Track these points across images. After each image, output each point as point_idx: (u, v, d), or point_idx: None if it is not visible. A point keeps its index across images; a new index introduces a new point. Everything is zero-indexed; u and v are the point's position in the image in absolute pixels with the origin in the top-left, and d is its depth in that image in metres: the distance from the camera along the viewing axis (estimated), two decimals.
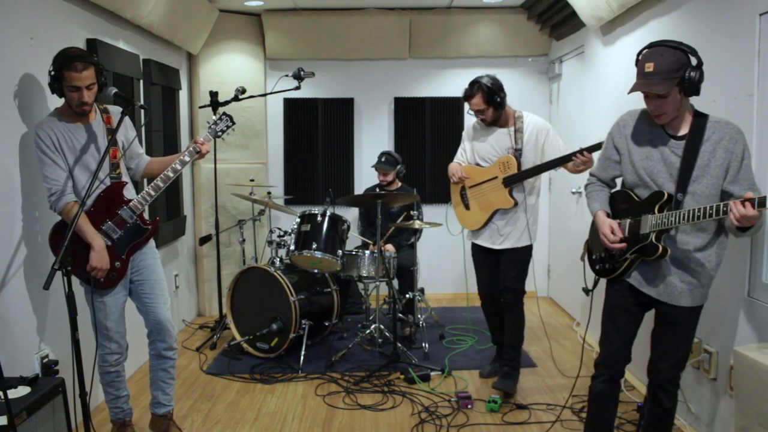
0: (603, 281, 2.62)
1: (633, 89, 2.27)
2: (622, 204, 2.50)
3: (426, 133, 5.86)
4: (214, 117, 3.18)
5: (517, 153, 3.54)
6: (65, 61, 2.57)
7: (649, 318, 2.55)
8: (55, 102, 3.00)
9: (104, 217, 2.76)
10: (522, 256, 3.64)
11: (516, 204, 3.55)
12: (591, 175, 2.70)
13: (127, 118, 2.91)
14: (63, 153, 2.67)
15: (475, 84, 3.49)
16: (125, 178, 2.89)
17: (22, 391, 2.40)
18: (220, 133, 3.12)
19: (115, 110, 2.88)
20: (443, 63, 5.83)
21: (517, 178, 3.52)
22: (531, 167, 3.50)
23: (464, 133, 3.85)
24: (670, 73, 2.18)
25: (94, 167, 2.69)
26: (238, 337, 4.28)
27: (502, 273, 3.65)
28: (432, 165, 5.87)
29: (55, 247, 2.74)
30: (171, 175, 2.84)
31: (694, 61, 2.23)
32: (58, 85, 2.61)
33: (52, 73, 2.61)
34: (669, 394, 2.50)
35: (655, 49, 2.25)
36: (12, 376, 2.49)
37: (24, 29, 2.83)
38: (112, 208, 2.78)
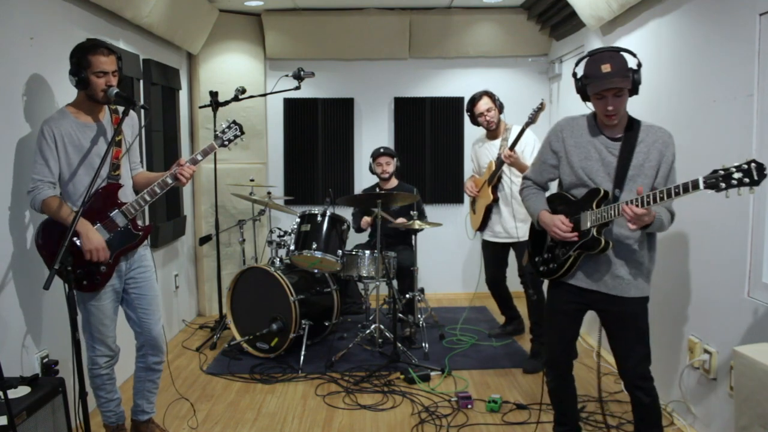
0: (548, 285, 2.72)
1: (598, 89, 2.34)
2: (560, 206, 2.61)
3: (426, 133, 5.86)
4: (222, 124, 3.03)
5: (499, 160, 4.02)
6: (91, 48, 2.60)
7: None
8: (55, 103, 3.00)
9: (95, 217, 2.66)
10: (523, 247, 3.81)
11: (496, 199, 4.14)
12: (525, 178, 2.79)
13: (136, 122, 2.89)
14: (66, 152, 2.62)
15: (480, 91, 4.19)
16: (125, 180, 2.80)
17: (22, 391, 2.40)
18: (227, 143, 2.99)
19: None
20: (443, 63, 5.83)
21: (492, 175, 4.10)
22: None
23: (471, 150, 4.47)
24: (625, 71, 2.34)
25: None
26: (238, 337, 4.28)
27: (518, 260, 4.24)
28: (432, 165, 5.87)
29: (42, 247, 2.66)
30: (158, 191, 2.74)
31: (635, 62, 2.39)
32: (83, 73, 2.58)
33: (75, 60, 2.59)
34: (645, 390, 2.53)
35: (602, 54, 2.38)
36: (12, 376, 2.49)
37: (24, 29, 2.83)
38: (105, 210, 2.69)
